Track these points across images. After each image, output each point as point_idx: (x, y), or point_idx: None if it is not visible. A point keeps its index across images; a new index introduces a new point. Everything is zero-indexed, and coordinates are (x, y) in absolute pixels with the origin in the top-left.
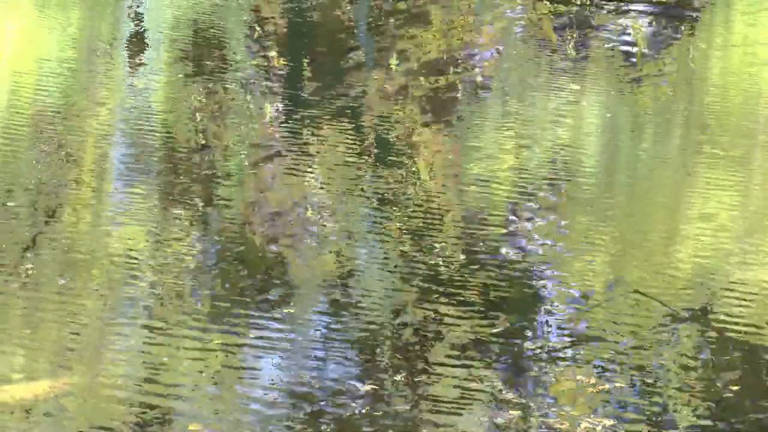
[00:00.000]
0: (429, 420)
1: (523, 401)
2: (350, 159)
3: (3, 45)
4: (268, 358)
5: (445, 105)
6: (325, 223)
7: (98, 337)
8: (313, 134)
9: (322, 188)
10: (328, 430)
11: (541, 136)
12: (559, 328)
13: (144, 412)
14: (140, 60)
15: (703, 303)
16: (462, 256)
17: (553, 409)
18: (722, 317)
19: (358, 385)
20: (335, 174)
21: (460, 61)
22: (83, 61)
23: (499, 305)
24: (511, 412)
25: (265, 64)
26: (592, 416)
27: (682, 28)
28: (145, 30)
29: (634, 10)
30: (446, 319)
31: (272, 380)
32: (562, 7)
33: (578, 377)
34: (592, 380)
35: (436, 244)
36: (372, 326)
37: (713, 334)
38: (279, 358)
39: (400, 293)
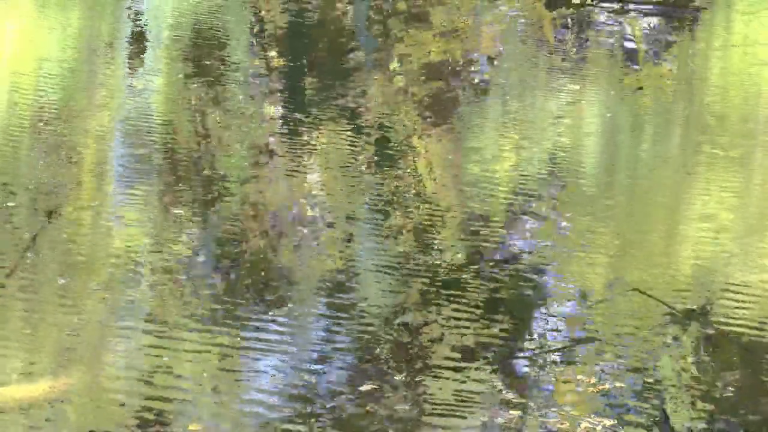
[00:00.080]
0: (429, 420)
1: (523, 401)
2: (350, 159)
3: (3, 45)
4: (268, 358)
5: (445, 105)
6: (324, 224)
7: (98, 338)
8: (313, 134)
9: (322, 188)
10: (328, 430)
11: (541, 136)
12: (559, 328)
13: (144, 413)
14: (140, 60)
15: (703, 303)
16: (462, 256)
17: (553, 409)
18: (722, 317)
19: (358, 384)
20: (335, 174)
21: (460, 62)
22: (83, 61)
23: (499, 305)
24: (511, 412)
25: (265, 64)
26: (592, 416)
27: (682, 27)
28: (145, 30)
29: (634, 10)
30: (446, 319)
31: (272, 381)
32: (564, 10)
33: (578, 377)
34: (592, 380)
35: (441, 248)
36: (372, 327)
37: (713, 334)
38: (279, 359)
39: (400, 294)
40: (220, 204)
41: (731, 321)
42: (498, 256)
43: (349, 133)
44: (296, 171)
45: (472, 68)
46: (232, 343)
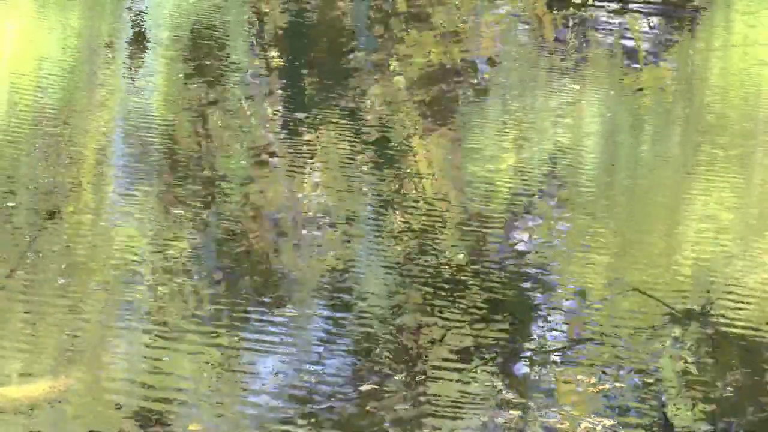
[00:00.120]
0: (429, 420)
1: (523, 401)
2: (350, 159)
3: (3, 45)
4: (268, 358)
5: (445, 105)
6: (324, 224)
7: (98, 338)
8: (312, 134)
9: (322, 188)
10: (328, 430)
11: (541, 136)
12: (559, 328)
13: (144, 413)
14: (140, 60)
15: (703, 303)
16: (462, 257)
17: (553, 409)
18: (722, 317)
19: (358, 384)
20: (335, 174)
21: (460, 62)
22: (83, 61)
23: (499, 305)
24: (511, 412)
25: (265, 64)
26: (592, 416)
27: (682, 27)
28: (145, 30)
29: (634, 10)
30: (446, 319)
31: (272, 380)
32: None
33: (578, 377)
34: (592, 380)
35: (441, 248)
36: (372, 327)
37: (713, 334)
38: (279, 359)
39: (400, 294)
40: (220, 204)
41: (731, 321)
42: (498, 256)
43: (349, 133)
44: (296, 171)
45: (472, 68)
46: (232, 343)
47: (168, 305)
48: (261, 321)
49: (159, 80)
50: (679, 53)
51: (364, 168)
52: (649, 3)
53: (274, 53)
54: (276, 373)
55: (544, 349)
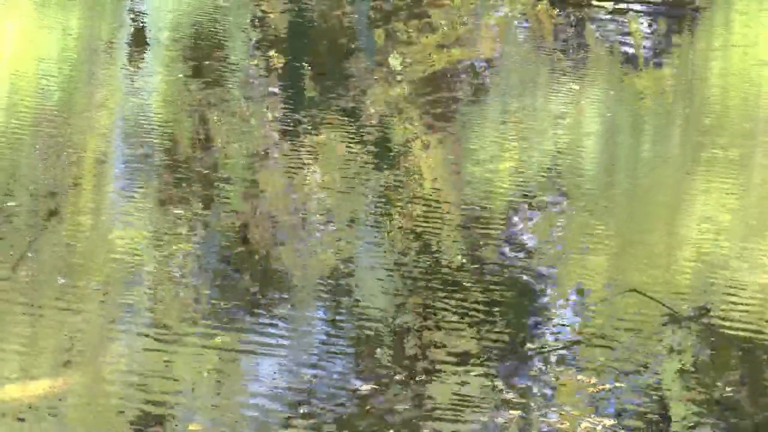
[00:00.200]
0: (429, 420)
1: (523, 401)
2: (350, 159)
3: (3, 45)
4: (268, 358)
5: (446, 105)
6: (325, 224)
7: (98, 338)
8: (313, 134)
9: (322, 189)
10: (328, 430)
11: (541, 136)
12: (558, 328)
13: (144, 413)
14: (140, 60)
15: (703, 303)
16: (462, 257)
17: (554, 409)
18: (722, 317)
19: (357, 385)
20: (335, 174)
21: (460, 62)
22: (83, 61)
23: (499, 305)
24: (511, 412)
25: (265, 64)
26: (592, 416)
27: (682, 27)
28: (145, 30)
29: (634, 10)
30: (446, 320)
31: (272, 381)
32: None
33: (578, 377)
34: (592, 380)
35: (440, 248)
36: (371, 327)
37: (713, 334)
38: (279, 359)
39: (399, 294)
40: (220, 204)
41: (731, 321)
42: (498, 256)
43: (349, 133)
44: (296, 171)
45: (472, 69)
46: (231, 343)
47: (168, 305)
48: (261, 321)
49: (159, 80)
50: (679, 53)
51: (364, 168)
52: (649, 3)
53: (274, 53)
54: (276, 374)
55: (544, 349)
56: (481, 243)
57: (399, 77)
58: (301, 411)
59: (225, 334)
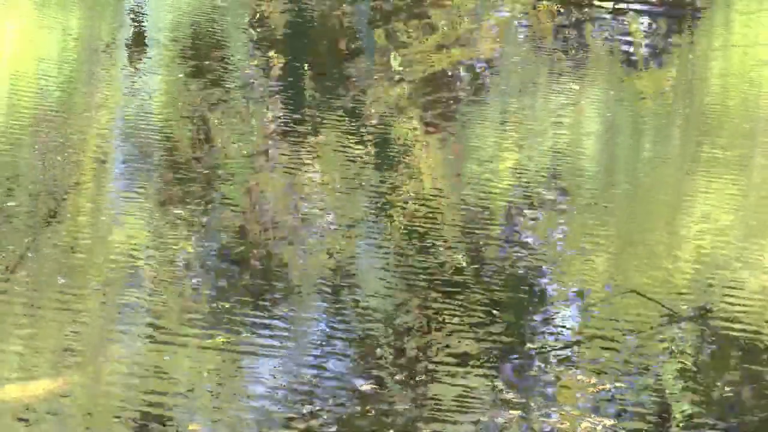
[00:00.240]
0: (429, 420)
1: (523, 401)
2: (350, 159)
3: (3, 45)
4: (268, 358)
5: (446, 105)
6: (325, 224)
7: (98, 338)
8: (313, 134)
9: (322, 189)
10: (328, 430)
11: (541, 136)
12: (559, 328)
13: (144, 413)
14: (140, 60)
15: (703, 303)
16: (462, 257)
17: (554, 409)
18: (722, 317)
19: (358, 384)
20: (335, 174)
21: (460, 62)
22: (83, 61)
23: (499, 305)
24: (511, 412)
25: (265, 64)
26: (592, 416)
27: (682, 27)
28: (145, 30)
29: (634, 10)
30: (446, 319)
31: (272, 380)
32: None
33: (578, 377)
34: (592, 380)
35: (440, 248)
36: (372, 327)
37: (713, 334)
38: (279, 358)
39: (399, 294)
40: (219, 204)
41: (731, 321)
42: (498, 257)
43: (349, 133)
44: (296, 171)
45: (473, 69)
46: (232, 343)
47: (168, 305)
48: (261, 322)
49: (159, 80)
50: (679, 53)
51: (364, 168)
52: (649, 3)
53: (274, 53)
54: (276, 374)
55: (544, 349)
56: (481, 243)
57: (399, 77)
58: (301, 411)
59: (225, 334)
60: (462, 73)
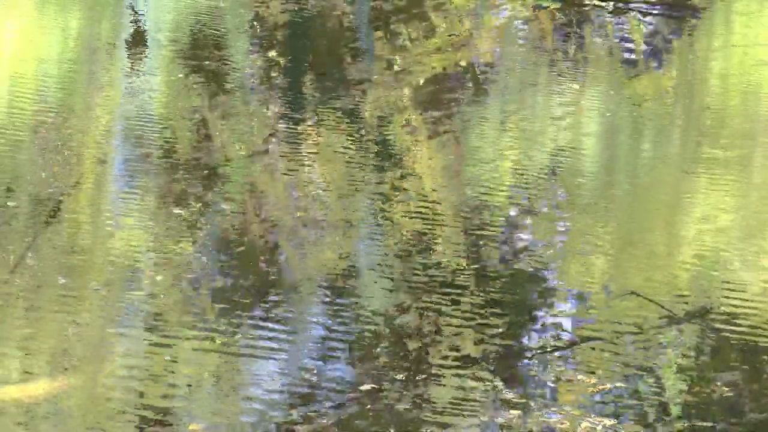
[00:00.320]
0: (429, 420)
1: (523, 401)
2: (350, 159)
3: (3, 45)
4: (268, 358)
5: (446, 105)
6: (324, 224)
7: (98, 338)
8: (313, 134)
9: (322, 189)
10: (328, 430)
11: (541, 136)
12: (559, 328)
13: (143, 413)
14: (140, 60)
15: (702, 304)
16: (462, 257)
17: (553, 409)
18: (722, 317)
19: (358, 386)
20: (335, 174)
21: (460, 62)
22: (83, 61)
23: (499, 305)
24: (511, 412)
25: (266, 64)
26: (592, 416)
27: (682, 27)
28: (145, 30)
29: (634, 10)
30: (446, 320)
31: (272, 380)
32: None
33: (578, 377)
34: (592, 380)
35: (440, 248)
36: (372, 327)
37: (713, 334)
38: (279, 358)
39: (399, 294)
40: (219, 204)
41: (731, 321)
42: (498, 257)
43: (349, 133)
44: (296, 171)
45: (473, 69)
46: (231, 343)
47: (168, 305)
48: (261, 321)
49: (159, 80)
50: (679, 53)
51: (364, 168)
52: (649, 3)
53: (274, 53)
54: (275, 373)
55: (544, 349)
56: (480, 243)
57: (399, 77)
58: (301, 412)
59: (225, 334)
60: (462, 72)
